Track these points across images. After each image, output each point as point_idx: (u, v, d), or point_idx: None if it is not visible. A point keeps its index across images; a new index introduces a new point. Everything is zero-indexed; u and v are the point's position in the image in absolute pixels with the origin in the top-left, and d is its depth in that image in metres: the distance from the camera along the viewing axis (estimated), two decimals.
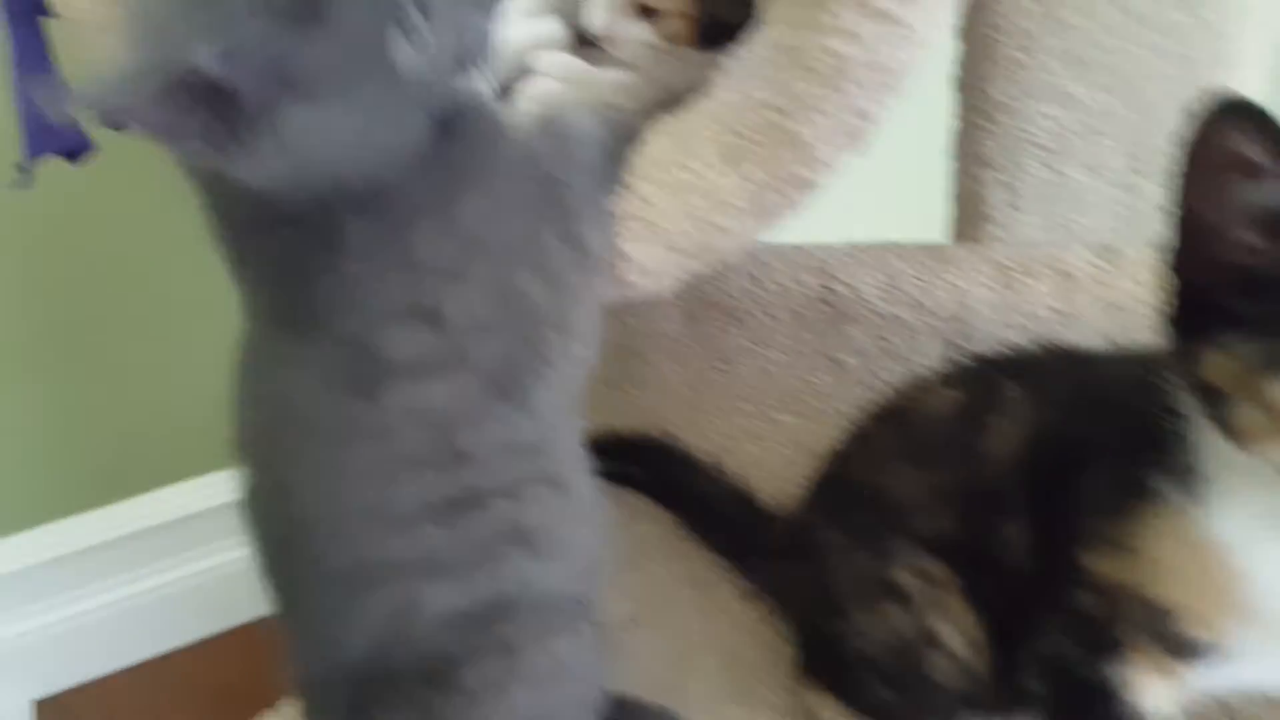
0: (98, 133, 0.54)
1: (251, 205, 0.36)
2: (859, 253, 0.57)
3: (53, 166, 0.55)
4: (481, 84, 0.37)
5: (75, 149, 0.53)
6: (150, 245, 0.78)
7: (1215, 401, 0.33)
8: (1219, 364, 0.33)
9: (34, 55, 0.51)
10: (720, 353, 0.60)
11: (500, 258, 0.38)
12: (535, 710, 0.42)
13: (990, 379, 0.46)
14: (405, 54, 0.33)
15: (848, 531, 0.47)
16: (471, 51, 0.35)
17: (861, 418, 0.51)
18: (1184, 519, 0.35)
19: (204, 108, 0.31)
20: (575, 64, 0.53)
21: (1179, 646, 0.37)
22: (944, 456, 0.45)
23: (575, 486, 0.43)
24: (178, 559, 0.90)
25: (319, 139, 0.33)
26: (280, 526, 0.41)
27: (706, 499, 0.60)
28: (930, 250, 0.56)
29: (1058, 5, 0.49)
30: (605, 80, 0.52)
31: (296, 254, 0.37)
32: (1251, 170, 0.32)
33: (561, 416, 0.43)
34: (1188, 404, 0.35)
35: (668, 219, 0.41)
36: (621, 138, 0.43)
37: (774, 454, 0.60)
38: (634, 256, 0.42)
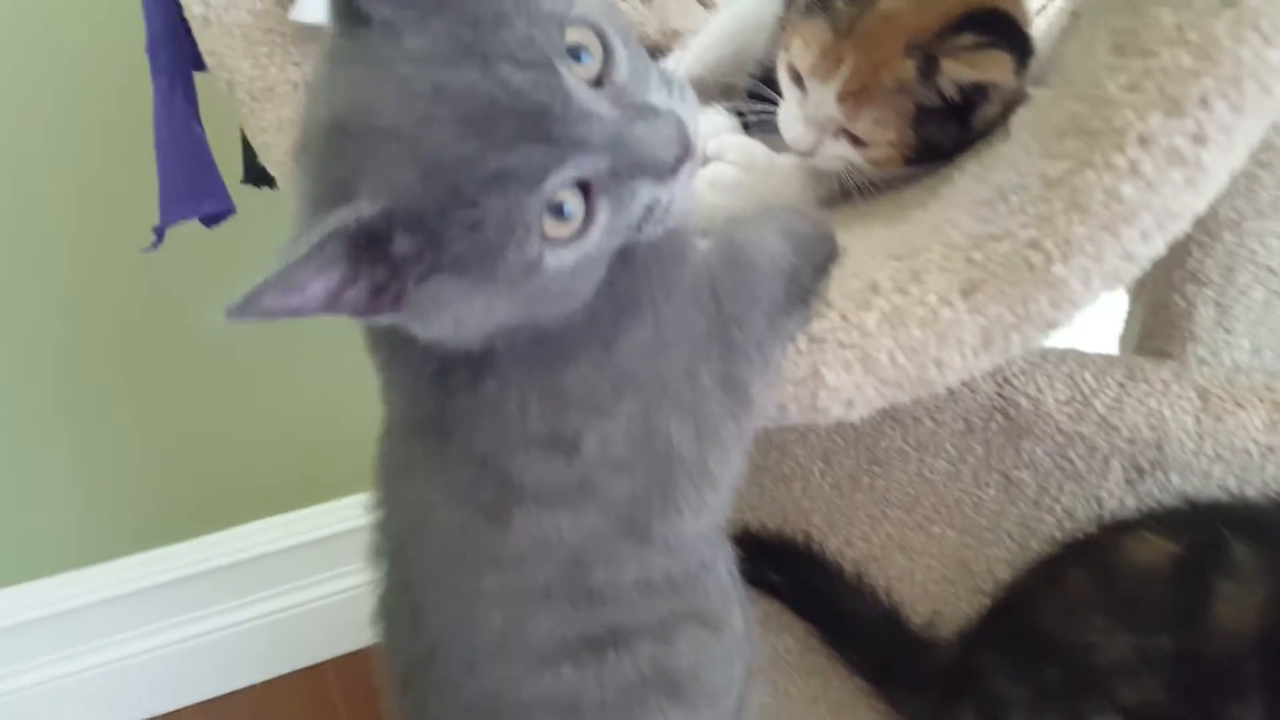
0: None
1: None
2: (1043, 361, 0.53)
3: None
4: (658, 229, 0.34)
5: (214, 213, 0.51)
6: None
7: None
8: None
9: (181, 113, 0.50)
10: (874, 454, 0.57)
11: (652, 396, 0.36)
12: None
13: (1211, 531, 0.43)
14: (557, 239, 0.30)
15: (1035, 686, 0.44)
16: (649, 216, 0.33)
17: (1048, 553, 0.48)
18: None
19: (363, 273, 0.29)
20: (756, 149, 0.50)
21: None
22: (1157, 617, 0.42)
23: (728, 622, 0.41)
24: (249, 599, 0.89)
25: (470, 309, 0.31)
26: (415, 647, 0.39)
27: (849, 612, 0.56)
28: (1124, 365, 0.52)
29: None
30: (787, 166, 0.50)
31: (440, 365, 0.35)
32: None
33: (710, 548, 0.41)
34: None
35: (881, 350, 0.38)
36: (811, 260, 0.40)
37: (926, 569, 0.56)
38: (834, 385, 0.39)
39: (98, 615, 0.84)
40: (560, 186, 0.30)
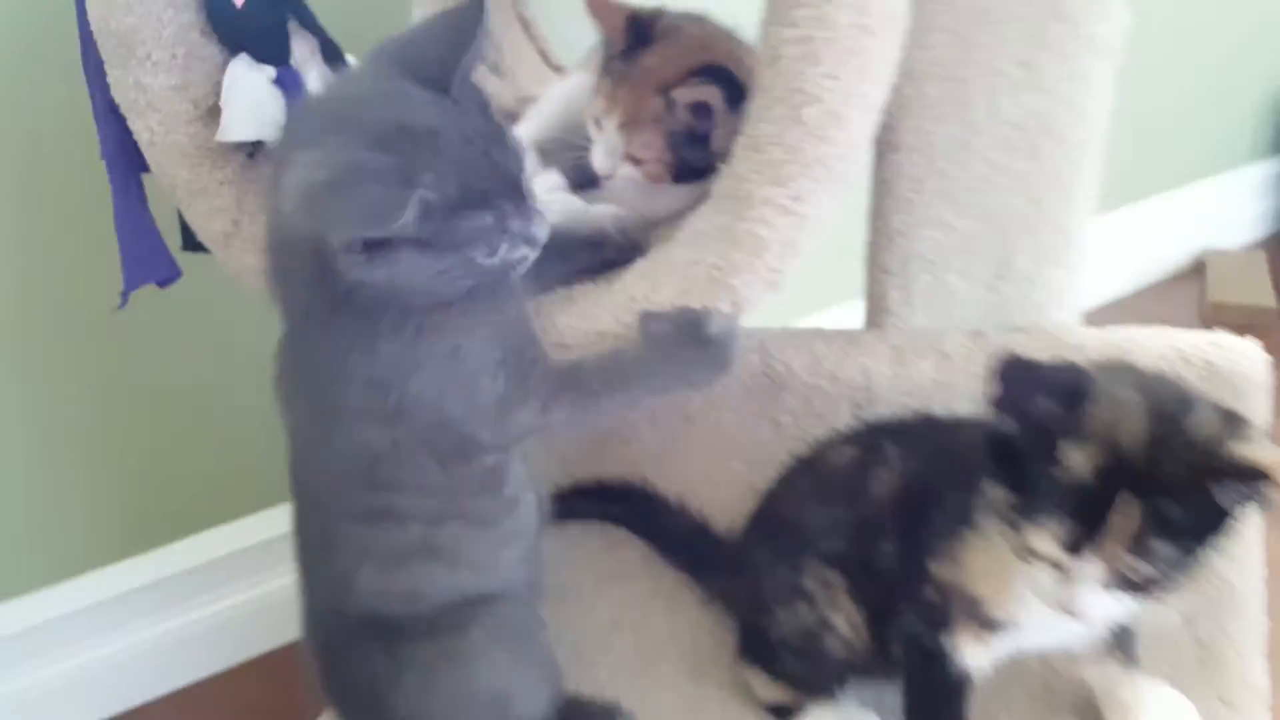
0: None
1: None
2: (791, 337, 0.79)
3: None
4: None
5: (166, 278, 0.73)
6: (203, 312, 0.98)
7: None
8: (992, 492, 0.53)
9: (133, 205, 0.71)
10: (685, 415, 0.82)
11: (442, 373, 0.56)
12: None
13: (877, 439, 0.69)
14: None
15: (773, 551, 0.69)
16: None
17: (786, 465, 0.74)
18: (989, 539, 0.57)
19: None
20: (574, 202, 0.74)
21: (987, 623, 0.59)
22: (841, 496, 0.67)
23: (503, 525, 0.63)
24: (212, 595, 1.09)
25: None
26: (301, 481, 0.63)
27: (673, 530, 0.82)
28: (845, 335, 0.79)
29: (939, 159, 0.72)
30: (597, 212, 0.74)
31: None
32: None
33: (495, 476, 0.62)
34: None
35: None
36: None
37: (725, 493, 0.82)
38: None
39: (74, 622, 1.03)
40: None
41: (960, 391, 0.75)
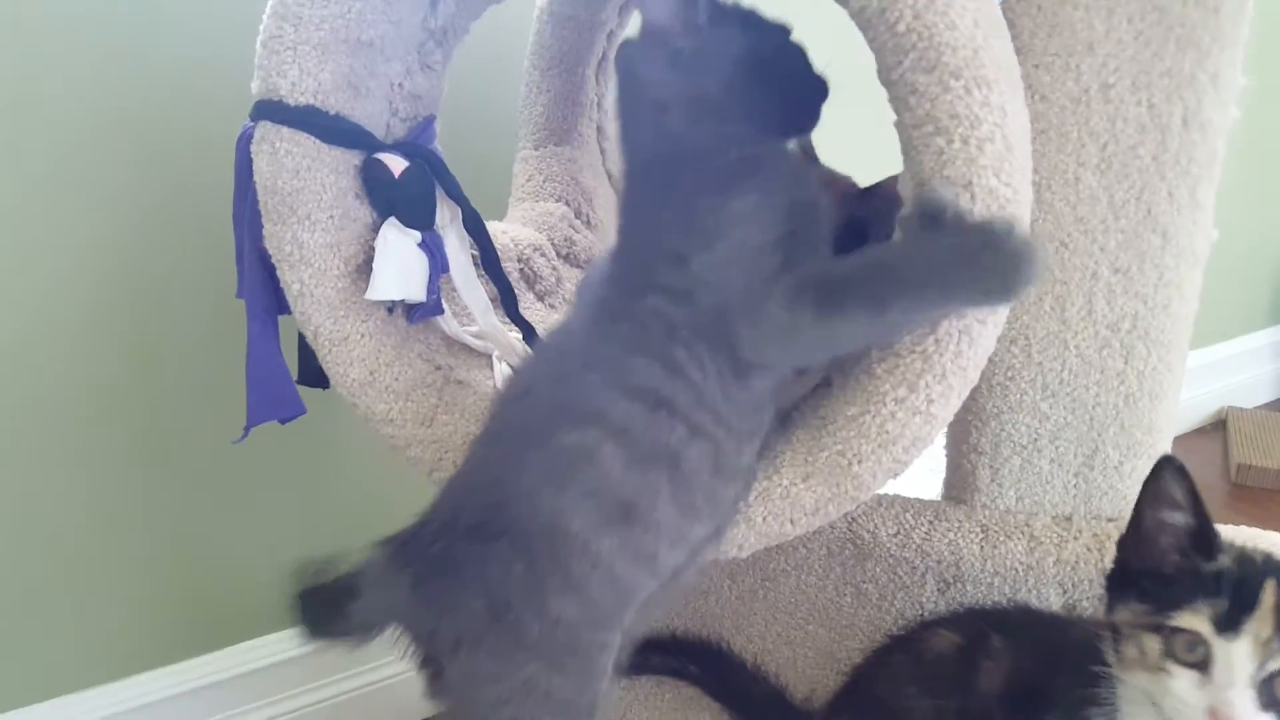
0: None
1: None
2: (878, 505, 0.80)
3: None
4: None
5: (291, 415, 0.73)
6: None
7: (1116, 637, 0.55)
8: (1125, 614, 0.55)
9: (268, 345, 0.71)
10: (766, 573, 0.82)
11: None
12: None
13: (980, 628, 0.68)
14: None
15: None
16: None
17: (880, 642, 0.73)
18: None
19: None
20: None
21: None
22: (947, 686, 0.66)
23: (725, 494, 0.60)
24: (258, 704, 1.06)
25: None
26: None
27: (749, 693, 0.80)
28: (933, 507, 0.79)
29: (1035, 351, 0.74)
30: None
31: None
32: (1176, 504, 0.55)
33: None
34: (1108, 654, 0.56)
35: (756, 515, 0.63)
36: None
37: (804, 658, 0.80)
38: (729, 536, 0.64)
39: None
40: None
41: (1049, 577, 0.75)
